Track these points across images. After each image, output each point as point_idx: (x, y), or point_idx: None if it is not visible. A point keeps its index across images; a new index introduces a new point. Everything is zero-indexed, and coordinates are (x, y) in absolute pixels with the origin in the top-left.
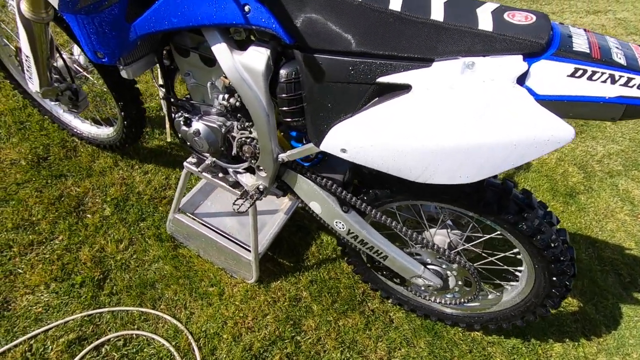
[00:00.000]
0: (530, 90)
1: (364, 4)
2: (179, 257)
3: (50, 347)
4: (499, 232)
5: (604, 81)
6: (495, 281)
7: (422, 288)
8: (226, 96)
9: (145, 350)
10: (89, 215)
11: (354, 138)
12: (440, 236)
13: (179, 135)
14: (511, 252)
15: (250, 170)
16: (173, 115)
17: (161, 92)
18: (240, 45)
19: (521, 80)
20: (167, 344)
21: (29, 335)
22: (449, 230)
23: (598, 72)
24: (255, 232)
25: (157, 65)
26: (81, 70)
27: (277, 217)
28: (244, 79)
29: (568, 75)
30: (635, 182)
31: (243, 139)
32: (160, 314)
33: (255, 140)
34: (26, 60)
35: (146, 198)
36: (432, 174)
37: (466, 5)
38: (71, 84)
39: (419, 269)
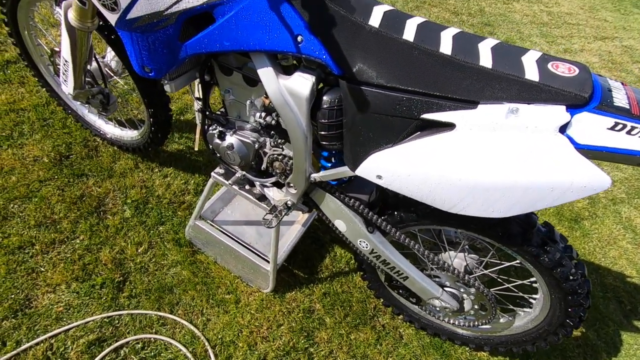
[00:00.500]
0: (570, 139)
1: (415, 45)
2: (197, 263)
3: (70, 347)
4: (518, 261)
5: None
6: (508, 306)
7: (438, 309)
8: (263, 114)
9: (162, 354)
10: (109, 217)
11: (392, 167)
12: (457, 259)
13: (210, 146)
14: (528, 280)
15: (277, 184)
16: (206, 127)
17: (197, 104)
18: (286, 69)
19: (562, 129)
20: (184, 350)
21: (50, 334)
22: (466, 254)
23: (637, 127)
24: (276, 244)
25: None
26: (112, 75)
27: (295, 229)
28: (287, 102)
29: (608, 128)
30: (637, 211)
31: (275, 155)
32: (178, 319)
33: (286, 158)
34: (64, 64)
35: (165, 202)
36: (466, 206)
37: (512, 53)
38: (103, 88)
39: (437, 291)
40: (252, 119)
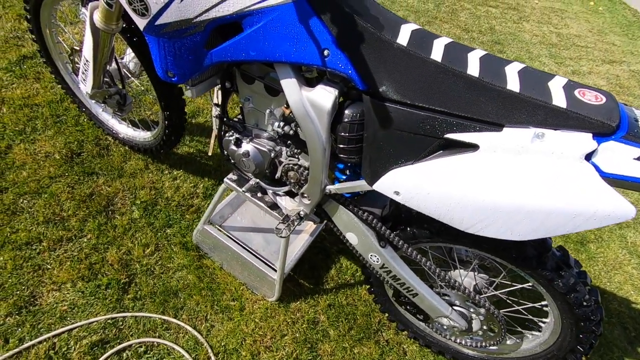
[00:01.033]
0: (596, 167)
1: (442, 66)
2: (203, 268)
3: (73, 347)
4: (530, 284)
5: None
6: (516, 328)
7: (445, 327)
8: (282, 124)
9: (165, 359)
10: (117, 216)
11: (412, 184)
12: (467, 278)
13: (225, 152)
14: (539, 304)
15: (290, 194)
16: (223, 133)
17: (215, 110)
18: (309, 81)
19: (588, 156)
20: (187, 355)
21: (53, 333)
22: (476, 274)
23: None
24: (284, 253)
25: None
26: (129, 76)
27: (303, 239)
28: (308, 113)
29: (635, 158)
30: None
31: (290, 165)
32: (182, 324)
33: (302, 168)
34: (85, 63)
35: (174, 204)
36: (484, 227)
37: (538, 78)
38: (121, 89)
39: (447, 310)
40: (270, 128)
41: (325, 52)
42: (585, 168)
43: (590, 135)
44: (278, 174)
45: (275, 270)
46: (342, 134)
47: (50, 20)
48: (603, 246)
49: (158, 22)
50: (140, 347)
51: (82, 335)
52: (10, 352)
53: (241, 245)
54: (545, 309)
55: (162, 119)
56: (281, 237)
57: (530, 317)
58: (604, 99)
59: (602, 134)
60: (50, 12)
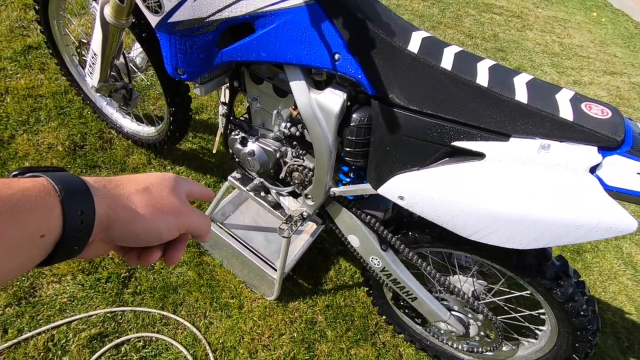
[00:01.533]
0: (600, 180)
1: (452, 74)
2: (203, 265)
3: (72, 339)
4: (529, 292)
5: None
6: (512, 335)
7: (443, 332)
8: (288, 125)
9: (163, 354)
10: None
11: (417, 189)
12: (465, 284)
13: (231, 151)
14: (537, 311)
15: (293, 194)
16: (228, 131)
17: (222, 108)
18: (317, 84)
19: (593, 169)
20: (185, 351)
21: (52, 325)
22: (474, 280)
23: None
24: (285, 253)
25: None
26: (136, 70)
27: (303, 239)
28: (316, 115)
29: (638, 173)
30: (638, 247)
31: (295, 166)
32: (181, 320)
33: (307, 169)
34: (93, 57)
35: None
36: (487, 235)
37: (546, 90)
38: (127, 83)
39: (445, 315)
40: (277, 128)
41: (336, 56)
42: (589, 180)
43: (596, 148)
44: (282, 174)
45: (275, 270)
46: (349, 137)
47: (58, 12)
48: (599, 256)
49: (171, 20)
50: (139, 341)
51: (81, 328)
52: (9, 343)
53: (242, 244)
54: (542, 316)
55: (167, 114)
56: (283, 237)
57: (527, 324)
58: (610, 113)
59: (607, 148)
60: (59, 3)
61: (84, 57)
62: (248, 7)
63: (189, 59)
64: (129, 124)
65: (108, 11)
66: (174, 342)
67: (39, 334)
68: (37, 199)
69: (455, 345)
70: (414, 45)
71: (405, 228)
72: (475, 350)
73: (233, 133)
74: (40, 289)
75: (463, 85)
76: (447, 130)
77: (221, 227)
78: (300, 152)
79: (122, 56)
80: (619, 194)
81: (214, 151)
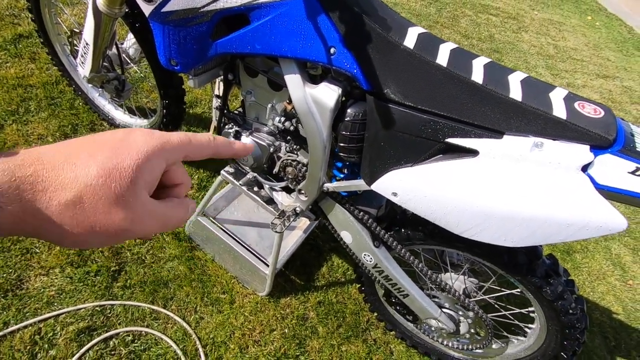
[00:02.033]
0: (591, 179)
1: (447, 71)
2: (194, 259)
3: (59, 333)
4: (519, 290)
5: None
6: (502, 333)
7: (433, 329)
8: (283, 119)
9: (152, 349)
10: None
11: (410, 186)
12: (457, 282)
13: None
14: (526, 309)
15: (287, 189)
16: (222, 125)
17: (215, 101)
18: (313, 78)
19: (584, 168)
20: (174, 346)
21: (39, 318)
22: (466, 277)
23: None
24: (277, 249)
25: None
26: (129, 62)
27: (296, 235)
28: (310, 110)
29: (629, 172)
30: (627, 249)
31: (289, 160)
32: (171, 314)
33: (300, 164)
34: (85, 46)
35: None
36: (478, 233)
37: (540, 88)
38: (120, 74)
39: (436, 312)
40: (271, 123)
41: (332, 50)
42: (581, 179)
43: (588, 147)
44: (276, 169)
45: (267, 265)
46: (344, 132)
47: (50, 0)
48: (588, 256)
49: (164, 10)
50: (128, 335)
51: (69, 322)
52: None
53: (234, 239)
54: (532, 314)
55: (161, 107)
56: (276, 232)
57: (517, 322)
58: (603, 113)
59: (599, 147)
60: None
61: (75, 47)
62: None
63: (183, 50)
64: (121, 116)
65: (101, 0)
66: (163, 336)
67: (25, 327)
68: None
69: (445, 343)
70: (409, 41)
71: (398, 225)
72: (465, 347)
73: (227, 127)
74: (28, 282)
75: (458, 82)
76: (442, 126)
77: (213, 222)
78: (294, 147)
79: (115, 47)
80: (610, 193)
81: None
